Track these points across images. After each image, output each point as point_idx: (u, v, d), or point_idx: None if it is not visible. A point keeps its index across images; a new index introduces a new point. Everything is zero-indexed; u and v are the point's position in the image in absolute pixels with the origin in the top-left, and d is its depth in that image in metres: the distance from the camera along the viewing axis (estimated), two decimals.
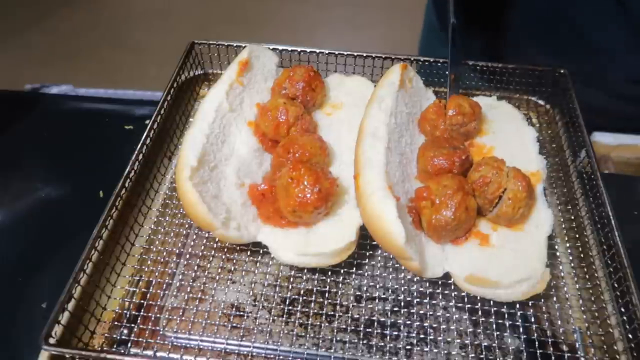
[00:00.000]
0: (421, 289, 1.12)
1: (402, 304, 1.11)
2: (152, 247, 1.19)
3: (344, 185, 1.20)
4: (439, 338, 1.06)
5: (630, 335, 1.00)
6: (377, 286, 1.14)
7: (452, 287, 1.12)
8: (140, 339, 1.04)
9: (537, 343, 1.04)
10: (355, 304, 1.12)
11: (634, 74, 1.54)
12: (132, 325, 1.07)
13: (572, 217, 1.26)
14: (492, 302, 1.09)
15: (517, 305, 1.09)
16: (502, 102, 1.41)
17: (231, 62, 1.37)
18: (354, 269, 1.15)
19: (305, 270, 1.16)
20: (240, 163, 1.22)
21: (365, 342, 1.05)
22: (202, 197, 1.07)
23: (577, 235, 1.22)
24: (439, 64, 1.48)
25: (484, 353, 1.04)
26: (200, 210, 1.06)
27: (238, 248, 1.19)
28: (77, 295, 1.03)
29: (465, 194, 1.09)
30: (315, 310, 1.10)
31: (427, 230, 1.11)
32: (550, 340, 1.05)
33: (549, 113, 1.52)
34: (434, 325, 1.08)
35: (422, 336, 1.07)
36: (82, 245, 1.06)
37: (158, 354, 1.03)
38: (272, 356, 1.04)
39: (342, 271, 1.15)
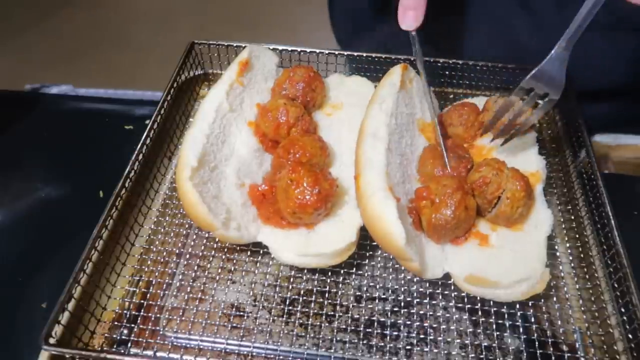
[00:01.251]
0: (421, 289, 1.12)
1: (402, 304, 1.11)
2: (152, 247, 1.19)
3: (344, 186, 1.20)
4: (439, 338, 1.06)
5: (630, 335, 1.00)
6: (377, 286, 1.14)
7: (452, 287, 1.12)
8: (140, 339, 1.04)
9: (537, 343, 1.04)
10: (355, 304, 1.12)
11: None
12: (132, 325, 1.07)
13: (572, 217, 1.26)
14: (492, 302, 1.09)
15: (517, 305, 1.09)
16: None
17: (231, 62, 1.37)
18: (354, 269, 1.15)
19: (305, 271, 1.16)
20: (241, 163, 1.22)
21: (365, 342, 1.06)
22: (202, 198, 1.06)
23: (577, 235, 1.22)
24: (439, 64, 1.49)
25: (484, 353, 1.04)
26: (200, 211, 1.06)
27: (238, 248, 1.19)
28: (77, 295, 1.03)
29: (465, 193, 1.09)
30: (315, 311, 1.10)
31: (427, 230, 1.11)
32: (550, 340, 1.05)
33: (549, 113, 1.52)
34: (434, 326, 1.08)
35: (422, 336, 1.07)
36: (82, 245, 1.06)
37: (158, 354, 1.03)
38: (272, 356, 1.04)
39: (342, 271, 1.15)
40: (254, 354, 1.04)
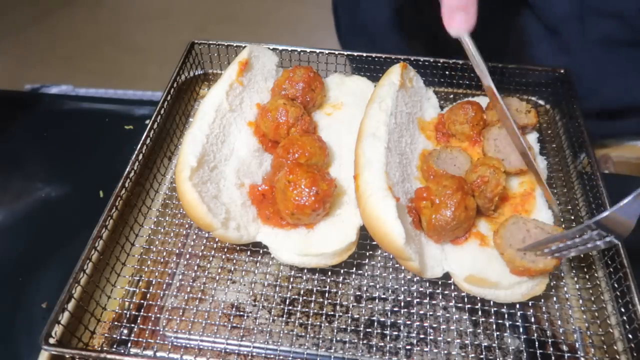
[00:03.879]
0: (421, 289, 1.12)
1: (402, 304, 1.11)
2: (152, 247, 1.19)
3: (343, 186, 1.20)
4: (439, 338, 1.06)
5: (630, 335, 1.00)
6: (377, 286, 1.14)
7: (452, 287, 1.12)
8: (140, 339, 1.04)
9: (537, 343, 1.04)
10: (355, 304, 1.12)
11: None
12: (132, 325, 1.07)
13: (572, 217, 1.26)
14: (492, 302, 1.09)
15: (517, 306, 1.09)
16: None
17: (231, 62, 1.37)
18: (354, 269, 1.15)
19: (305, 270, 1.16)
20: (240, 163, 1.22)
21: (365, 342, 1.05)
22: (202, 198, 1.06)
23: None
24: (439, 64, 1.48)
25: (484, 353, 1.04)
26: (200, 211, 1.06)
27: (238, 248, 1.19)
28: (77, 295, 1.03)
29: (465, 193, 1.09)
30: (315, 310, 1.10)
31: (427, 230, 1.11)
32: (550, 340, 1.05)
33: (549, 113, 1.52)
34: (434, 325, 1.08)
35: (422, 336, 1.07)
36: (82, 245, 1.06)
37: (158, 354, 1.03)
38: (272, 356, 1.04)
39: (342, 271, 1.15)
40: (254, 354, 1.04)
